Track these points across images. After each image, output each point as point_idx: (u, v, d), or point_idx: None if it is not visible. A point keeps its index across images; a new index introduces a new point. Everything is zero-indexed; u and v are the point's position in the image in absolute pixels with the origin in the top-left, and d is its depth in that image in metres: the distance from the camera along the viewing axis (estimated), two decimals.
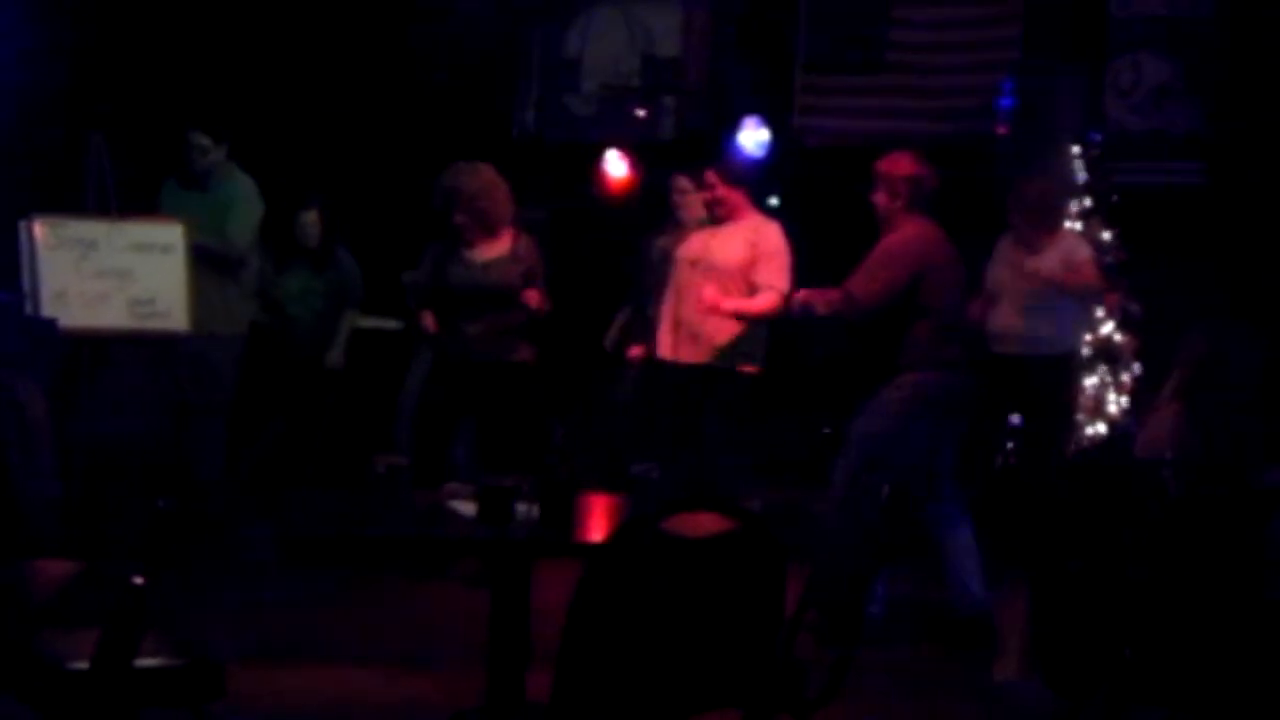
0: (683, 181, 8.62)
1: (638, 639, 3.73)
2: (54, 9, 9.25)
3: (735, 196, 7.53)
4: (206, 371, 8.47)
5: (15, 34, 8.90)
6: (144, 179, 8.71)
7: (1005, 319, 8.11)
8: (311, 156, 9.89)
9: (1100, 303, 8.52)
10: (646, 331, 8.46)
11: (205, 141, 8.51)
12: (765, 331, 7.47)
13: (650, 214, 9.00)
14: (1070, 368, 8.36)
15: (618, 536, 4.03)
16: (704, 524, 3.90)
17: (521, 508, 4.52)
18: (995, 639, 6.37)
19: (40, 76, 9.02)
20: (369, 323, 9.55)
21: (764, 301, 7.37)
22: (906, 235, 6.97)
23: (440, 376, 7.94)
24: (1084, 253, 8.26)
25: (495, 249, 7.73)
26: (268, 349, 9.17)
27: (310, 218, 9.15)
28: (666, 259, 8.41)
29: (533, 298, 7.62)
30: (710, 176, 7.63)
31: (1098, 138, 8.99)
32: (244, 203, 8.56)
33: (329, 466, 8.81)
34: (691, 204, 8.53)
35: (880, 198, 7.03)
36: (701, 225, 8.03)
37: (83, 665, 3.86)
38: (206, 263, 8.32)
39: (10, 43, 8.87)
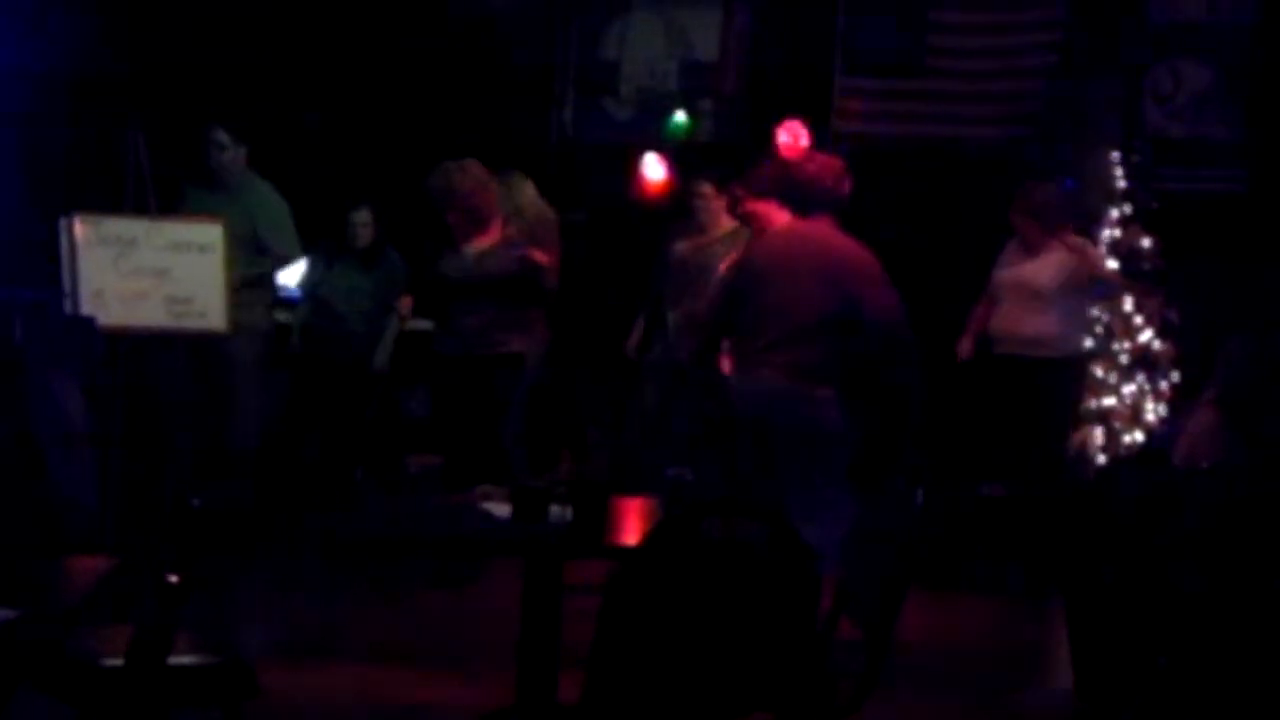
0: (704, 186, 8.56)
1: (668, 643, 3.73)
2: (94, 7, 9.30)
3: (765, 207, 7.28)
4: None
5: (54, 33, 8.95)
6: (180, 179, 8.76)
7: (1006, 320, 8.32)
8: (347, 160, 9.92)
9: (1114, 293, 8.57)
10: (665, 337, 8.48)
11: (225, 138, 8.57)
12: None
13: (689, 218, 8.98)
14: (1077, 372, 8.42)
15: (650, 539, 4.02)
16: (736, 528, 3.89)
17: (555, 509, 4.52)
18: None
19: (80, 75, 9.07)
20: (419, 325, 9.56)
21: None
22: None
23: (439, 373, 8.08)
24: (1091, 250, 8.51)
25: (486, 240, 7.93)
26: (313, 351, 9.21)
27: (362, 217, 9.20)
28: (686, 264, 8.42)
29: (538, 255, 7.79)
30: (737, 190, 7.58)
31: (1137, 144, 8.95)
32: (279, 207, 8.63)
33: (366, 466, 8.84)
34: (714, 209, 8.49)
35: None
36: (733, 234, 8.05)
37: (116, 662, 3.88)
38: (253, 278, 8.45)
39: (49, 42, 8.92)
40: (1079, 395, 8.48)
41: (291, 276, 9.54)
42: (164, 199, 8.33)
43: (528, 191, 8.31)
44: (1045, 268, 8.41)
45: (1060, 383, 8.39)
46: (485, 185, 7.97)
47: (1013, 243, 8.59)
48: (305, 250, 9.24)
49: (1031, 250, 8.47)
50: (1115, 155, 8.84)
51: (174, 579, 3.77)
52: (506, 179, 8.26)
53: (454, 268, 7.96)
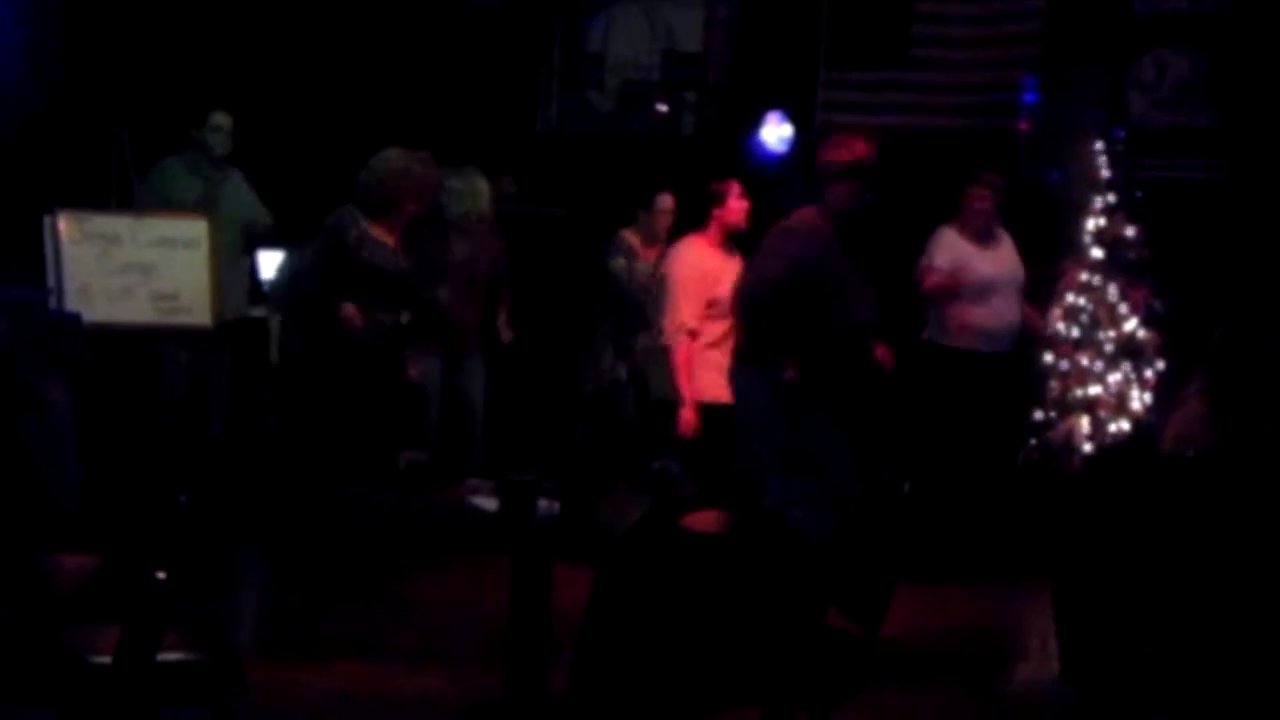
0: (668, 200, 8.61)
1: (656, 635, 3.73)
2: (76, 4, 9.28)
3: None
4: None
5: (38, 29, 8.92)
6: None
7: (1005, 315, 8.30)
8: (328, 153, 9.89)
9: None
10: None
11: (227, 122, 8.54)
12: None
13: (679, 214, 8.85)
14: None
15: (636, 532, 4.03)
16: (723, 520, 3.90)
17: (543, 503, 4.53)
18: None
19: (63, 71, 9.04)
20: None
21: None
22: None
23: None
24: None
25: (391, 237, 7.76)
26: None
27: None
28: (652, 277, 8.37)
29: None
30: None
31: (1121, 133, 8.95)
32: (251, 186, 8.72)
33: (356, 461, 8.81)
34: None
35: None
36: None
37: (105, 660, 3.87)
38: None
39: (33, 38, 8.88)
40: None
41: (269, 269, 9.49)
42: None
43: (481, 188, 8.39)
44: (1014, 258, 8.48)
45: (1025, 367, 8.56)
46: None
47: (948, 233, 8.43)
48: (285, 243, 9.21)
49: (985, 239, 8.43)
50: (1099, 145, 8.84)
51: (162, 576, 3.77)
52: (466, 177, 8.32)
53: (383, 259, 7.74)
